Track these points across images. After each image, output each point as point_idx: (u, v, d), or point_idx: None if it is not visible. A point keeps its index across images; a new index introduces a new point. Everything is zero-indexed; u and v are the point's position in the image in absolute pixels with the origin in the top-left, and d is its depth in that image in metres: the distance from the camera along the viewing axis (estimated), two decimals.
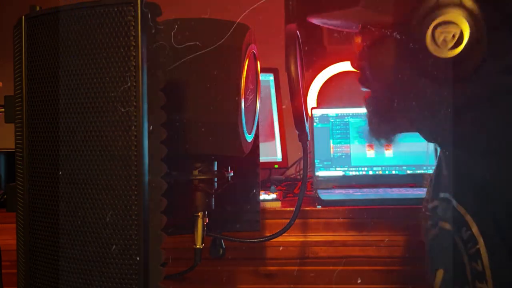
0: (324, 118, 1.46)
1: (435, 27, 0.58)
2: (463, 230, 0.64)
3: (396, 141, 0.76)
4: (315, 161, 1.43)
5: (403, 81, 0.66)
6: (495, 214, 0.59)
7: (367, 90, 0.76)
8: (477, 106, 0.63)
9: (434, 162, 1.39)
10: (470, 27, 0.57)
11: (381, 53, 0.69)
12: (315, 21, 0.76)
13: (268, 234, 0.90)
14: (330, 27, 0.80)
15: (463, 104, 0.63)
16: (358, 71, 0.77)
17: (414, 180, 1.40)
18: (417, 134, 0.74)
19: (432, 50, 0.58)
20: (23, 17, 0.61)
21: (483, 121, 0.62)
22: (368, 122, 0.76)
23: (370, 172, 1.42)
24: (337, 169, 1.43)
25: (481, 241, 0.60)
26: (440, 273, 0.71)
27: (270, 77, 1.56)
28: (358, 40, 0.72)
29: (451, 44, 0.58)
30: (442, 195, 0.71)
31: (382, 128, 0.75)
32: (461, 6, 0.57)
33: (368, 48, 0.71)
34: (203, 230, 0.78)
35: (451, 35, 0.57)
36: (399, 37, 0.64)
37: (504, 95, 0.61)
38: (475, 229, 0.61)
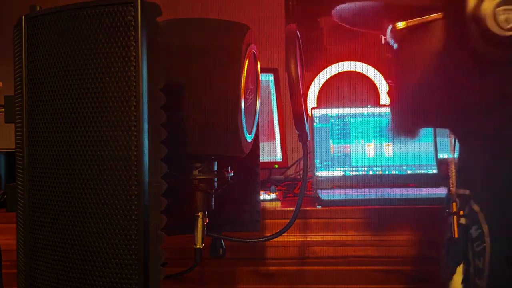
0: (324, 118, 1.46)
1: (498, 5, 0.57)
2: (473, 228, 0.64)
3: (420, 136, 0.73)
4: (315, 161, 1.43)
5: (449, 68, 0.64)
6: (507, 215, 0.59)
7: (393, 83, 0.73)
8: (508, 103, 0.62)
9: (434, 162, 1.39)
10: None
11: (426, 38, 0.65)
12: (341, 7, 0.73)
13: (268, 234, 0.90)
14: (350, 18, 0.75)
15: (500, 98, 0.62)
16: (385, 66, 0.74)
17: (414, 180, 1.40)
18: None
19: (494, 30, 0.57)
20: (23, 17, 0.61)
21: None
22: (394, 115, 0.73)
23: (370, 172, 1.42)
24: (337, 169, 1.43)
25: (487, 240, 0.61)
26: (461, 269, 0.70)
27: (270, 77, 1.56)
28: (396, 27, 0.67)
29: None
30: (461, 191, 0.71)
31: (410, 122, 0.72)
32: None
33: (410, 33, 0.67)
34: (203, 230, 0.78)
35: None
36: (448, 20, 0.62)
37: None
38: (485, 228, 0.62)
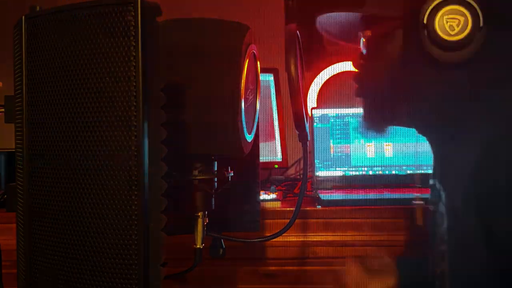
0: (324, 118, 1.46)
1: (444, 15, 0.67)
2: (440, 205, 0.72)
3: (388, 133, 0.83)
4: (315, 161, 1.43)
5: (406, 70, 0.74)
6: (465, 192, 0.67)
7: (361, 84, 0.81)
8: (466, 97, 0.71)
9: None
10: (473, 17, 0.67)
11: (387, 44, 0.75)
12: (321, 18, 0.81)
13: (268, 234, 0.90)
14: (330, 30, 0.83)
15: (455, 94, 0.72)
16: (356, 70, 0.81)
17: (414, 180, 1.40)
18: (415, 132, 0.79)
19: (440, 34, 0.68)
20: (23, 17, 0.61)
21: (468, 111, 0.71)
22: (364, 114, 0.82)
23: (370, 172, 1.42)
24: (337, 169, 1.43)
25: (443, 210, 0.70)
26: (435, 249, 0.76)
27: (270, 77, 1.56)
28: (367, 33, 0.79)
29: (457, 30, 0.67)
30: (431, 181, 0.78)
31: (378, 119, 0.81)
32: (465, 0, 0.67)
33: (376, 40, 0.77)
34: (203, 230, 0.78)
35: (456, 23, 0.67)
36: (405, 28, 0.73)
37: (495, 86, 0.69)
38: (448, 203, 0.70)
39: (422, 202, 0.80)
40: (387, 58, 0.75)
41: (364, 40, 0.78)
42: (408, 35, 0.72)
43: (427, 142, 0.80)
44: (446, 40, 0.67)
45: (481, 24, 0.66)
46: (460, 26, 0.67)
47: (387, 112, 0.78)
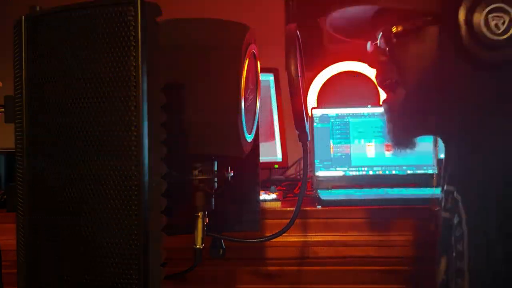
0: (324, 118, 1.46)
1: (488, 13, 0.63)
2: (455, 216, 0.68)
3: (417, 145, 0.77)
4: (315, 161, 1.43)
5: (441, 73, 0.68)
6: (482, 201, 0.63)
7: (387, 89, 0.75)
8: (495, 104, 0.67)
9: (432, 162, 1.39)
10: None
11: (418, 44, 0.69)
12: (334, 15, 0.75)
13: (268, 234, 0.90)
14: (341, 25, 0.78)
15: (484, 100, 0.67)
16: (374, 69, 0.76)
17: (414, 180, 1.40)
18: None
19: (487, 34, 0.63)
20: (23, 17, 0.61)
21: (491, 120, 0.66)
22: (392, 128, 0.76)
23: (370, 172, 1.42)
24: (337, 169, 1.43)
25: (464, 224, 0.66)
26: (444, 260, 0.73)
27: (270, 77, 1.56)
28: (388, 33, 0.72)
29: (502, 29, 0.63)
30: (446, 187, 0.74)
31: (405, 134, 0.76)
32: None
33: (401, 39, 0.70)
34: (203, 230, 0.78)
35: (501, 21, 0.63)
36: (440, 26, 0.67)
37: None
38: (463, 215, 0.66)
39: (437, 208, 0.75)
40: (414, 56, 0.70)
41: (385, 35, 0.72)
42: (444, 33, 0.66)
43: (445, 147, 0.76)
44: (491, 39, 0.63)
45: None
46: (505, 25, 0.63)
47: (416, 120, 0.73)
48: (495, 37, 0.63)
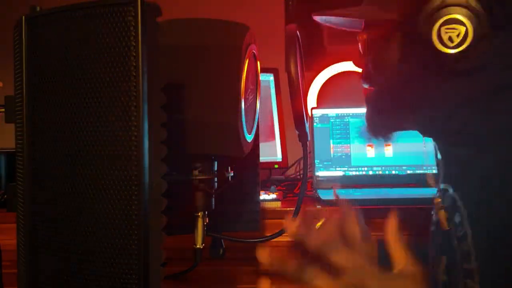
0: (324, 118, 1.46)
1: (441, 25, 0.62)
2: (456, 215, 0.67)
3: (394, 140, 0.78)
4: (315, 161, 1.43)
5: (407, 77, 0.69)
6: (486, 201, 0.62)
7: (368, 87, 0.77)
8: (476, 103, 0.65)
9: (434, 162, 1.39)
10: (474, 26, 0.61)
11: (385, 49, 0.70)
12: (319, 18, 0.77)
13: (268, 234, 0.90)
14: (333, 26, 0.80)
15: (464, 100, 0.66)
16: (360, 69, 0.78)
17: (414, 180, 1.40)
18: (415, 133, 0.76)
19: (438, 47, 0.62)
20: (23, 17, 0.61)
21: (482, 117, 0.65)
22: (368, 118, 0.77)
23: (370, 172, 1.42)
24: (337, 169, 1.43)
25: (466, 223, 0.65)
26: (443, 260, 0.72)
27: (270, 77, 1.56)
28: (363, 37, 0.74)
29: (456, 42, 0.61)
30: (442, 186, 0.74)
31: (382, 125, 0.76)
32: (467, 6, 0.61)
33: (373, 44, 0.72)
34: (203, 230, 0.78)
35: (456, 34, 0.61)
36: (403, 34, 0.67)
37: (506, 89, 0.64)
38: (465, 214, 0.65)
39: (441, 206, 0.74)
40: (383, 60, 0.71)
41: (361, 40, 0.74)
42: (407, 40, 0.66)
43: (433, 143, 0.77)
44: (445, 53, 0.62)
45: (487, 30, 0.61)
46: (460, 38, 0.61)
47: (392, 116, 0.74)
48: (449, 51, 0.61)
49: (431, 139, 0.76)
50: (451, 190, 0.70)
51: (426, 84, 0.68)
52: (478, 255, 0.63)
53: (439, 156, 0.75)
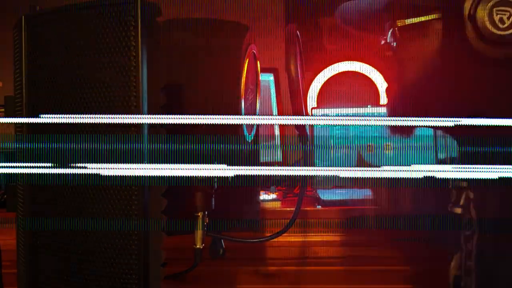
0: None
1: (493, 6, 0.61)
2: (466, 214, 0.68)
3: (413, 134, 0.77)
4: (315, 161, 1.43)
5: (446, 66, 0.67)
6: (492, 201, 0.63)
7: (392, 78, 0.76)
8: None
9: (434, 162, 1.39)
10: None
11: (423, 37, 0.69)
12: (340, 7, 0.76)
13: (268, 234, 0.90)
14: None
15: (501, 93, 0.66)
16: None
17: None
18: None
19: (491, 29, 0.61)
20: (23, 17, 0.61)
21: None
22: (392, 110, 0.76)
23: None
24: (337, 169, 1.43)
25: (475, 224, 0.65)
26: (457, 257, 0.72)
27: (270, 77, 1.56)
28: (396, 24, 0.71)
29: (508, 23, 0.61)
30: (459, 183, 0.73)
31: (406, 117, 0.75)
32: None
33: (408, 31, 0.70)
34: (203, 230, 0.78)
35: (507, 15, 0.61)
36: (445, 19, 0.66)
37: None
38: (473, 214, 0.65)
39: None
40: (421, 51, 0.69)
41: (393, 30, 0.72)
42: (449, 26, 0.65)
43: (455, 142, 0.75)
44: (495, 34, 0.61)
45: None
46: (511, 19, 0.60)
47: (419, 111, 0.71)
48: (500, 32, 0.61)
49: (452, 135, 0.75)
50: (467, 189, 0.69)
51: (463, 73, 0.67)
52: (478, 255, 0.64)
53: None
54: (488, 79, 0.65)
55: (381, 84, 1.66)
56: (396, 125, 0.75)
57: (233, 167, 0.84)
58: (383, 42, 0.75)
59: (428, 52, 0.68)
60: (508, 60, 0.62)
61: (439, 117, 0.71)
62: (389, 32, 0.73)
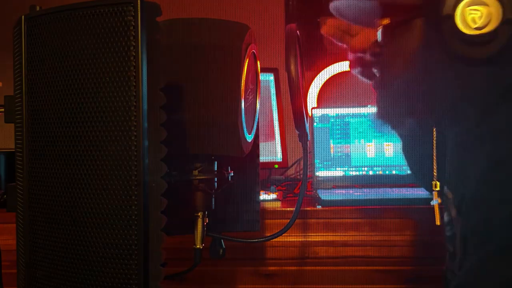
0: (324, 118, 1.46)
1: (465, 6, 0.61)
2: (445, 214, 0.68)
3: (407, 129, 0.77)
4: (315, 161, 1.43)
5: (428, 63, 0.68)
6: (473, 199, 0.62)
7: (379, 75, 0.76)
8: (492, 96, 0.64)
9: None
10: (498, 9, 0.60)
11: (406, 35, 0.69)
12: (333, 7, 0.76)
13: (268, 234, 0.90)
14: (345, 19, 0.78)
15: (479, 90, 0.65)
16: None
17: (414, 180, 1.40)
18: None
19: (461, 28, 0.62)
20: (23, 17, 0.61)
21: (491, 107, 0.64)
22: (381, 105, 0.76)
23: (370, 172, 1.42)
24: (337, 169, 1.43)
25: (456, 224, 0.64)
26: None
27: (270, 77, 1.56)
28: (382, 23, 0.72)
29: (479, 23, 0.61)
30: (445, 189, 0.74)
31: (395, 112, 0.75)
32: None
33: (393, 30, 0.71)
34: (203, 230, 0.78)
35: (479, 16, 0.61)
36: (425, 19, 0.66)
37: None
38: (454, 213, 0.65)
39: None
40: (405, 48, 0.69)
41: (381, 28, 0.72)
42: (429, 25, 0.65)
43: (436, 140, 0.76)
44: (467, 35, 0.61)
45: (509, 16, 0.60)
46: (482, 19, 0.60)
47: (404, 105, 0.72)
48: (472, 32, 0.61)
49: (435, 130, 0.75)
50: (445, 188, 0.69)
51: (442, 71, 0.67)
52: (461, 258, 0.62)
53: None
54: (465, 79, 0.65)
55: None
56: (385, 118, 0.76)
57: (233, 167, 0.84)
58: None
59: (411, 50, 0.68)
60: (488, 59, 0.62)
61: None
62: (379, 30, 0.73)
